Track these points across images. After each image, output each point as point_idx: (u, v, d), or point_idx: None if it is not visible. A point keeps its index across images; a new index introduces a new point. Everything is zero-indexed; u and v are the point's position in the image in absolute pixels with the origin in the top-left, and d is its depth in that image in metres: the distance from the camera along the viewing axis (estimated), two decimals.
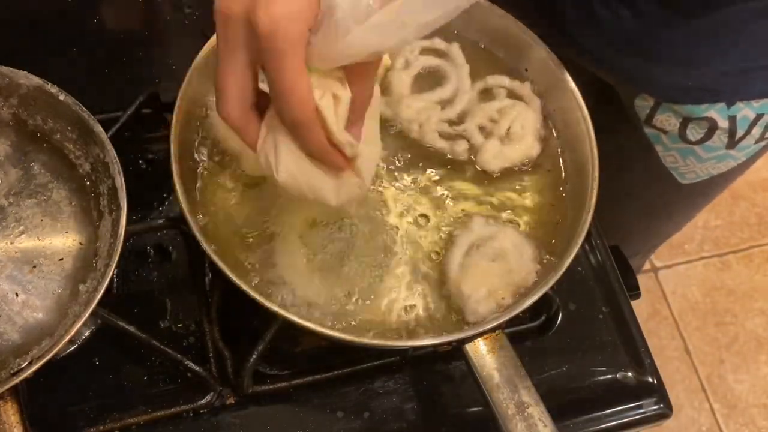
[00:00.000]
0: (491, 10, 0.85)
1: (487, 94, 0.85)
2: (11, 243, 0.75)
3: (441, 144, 0.82)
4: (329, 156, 0.59)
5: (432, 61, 0.86)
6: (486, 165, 0.81)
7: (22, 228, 0.76)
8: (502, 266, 0.74)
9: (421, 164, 0.82)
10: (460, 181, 0.81)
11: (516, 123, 0.81)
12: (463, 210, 0.80)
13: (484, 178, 0.82)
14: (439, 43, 0.86)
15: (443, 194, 0.80)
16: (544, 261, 0.76)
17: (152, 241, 0.86)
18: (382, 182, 0.80)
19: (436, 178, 0.81)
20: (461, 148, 0.81)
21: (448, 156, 0.82)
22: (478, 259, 0.75)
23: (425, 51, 0.86)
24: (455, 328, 0.73)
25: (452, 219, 0.79)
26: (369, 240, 0.77)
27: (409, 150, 0.82)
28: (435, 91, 0.84)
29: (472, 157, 0.82)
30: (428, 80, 0.85)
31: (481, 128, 0.82)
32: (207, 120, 0.79)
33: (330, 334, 0.69)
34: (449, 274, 0.75)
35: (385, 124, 0.83)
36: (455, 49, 0.86)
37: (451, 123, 0.83)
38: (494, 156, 0.81)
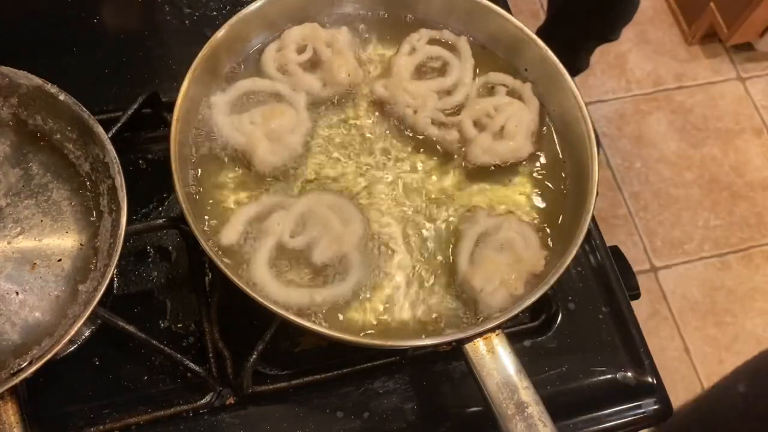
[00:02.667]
0: (491, 10, 0.85)
1: (487, 90, 0.85)
2: (10, 243, 0.75)
3: (432, 131, 0.82)
4: None
5: (438, 51, 0.86)
6: (474, 158, 0.81)
7: (21, 228, 0.76)
8: (510, 256, 0.74)
9: (417, 154, 0.82)
10: (454, 174, 0.82)
11: (510, 121, 0.82)
12: (463, 204, 0.80)
13: (479, 173, 0.82)
14: (447, 35, 0.87)
15: (441, 188, 0.81)
16: (547, 256, 0.76)
17: (152, 241, 0.86)
18: (380, 180, 0.80)
19: (432, 169, 0.82)
20: (452, 137, 0.82)
21: (439, 145, 0.82)
22: (486, 251, 0.75)
23: (433, 41, 0.86)
24: (457, 328, 0.73)
25: (455, 213, 0.79)
26: (367, 239, 0.77)
27: (405, 138, 0.83)
28: (436, 80, 0.85)
29: (462, 149, 0.82)
30: (432, 71, 0.86)
31: (476, 122, 0.83)
32: (210, 119, 0.79)
33: (330, 334, 0.69)
34: (459, 268, 0.75)
35: (383, 106, 0.83)
36: (463, 43, 0.86)
37: (447, 113, 0.84)
38: (484, 150, 0.81)
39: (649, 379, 0.85)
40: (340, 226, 0.74)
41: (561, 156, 0.83)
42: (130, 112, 0.84)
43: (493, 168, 0.82)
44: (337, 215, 0.75)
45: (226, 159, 0.79)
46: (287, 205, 0.76)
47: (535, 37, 0.84)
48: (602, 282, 0.90)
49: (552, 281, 0.71)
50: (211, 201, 0.77)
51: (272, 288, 0.71)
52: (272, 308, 0.67)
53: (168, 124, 0.75)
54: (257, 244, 0.74)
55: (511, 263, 0.74)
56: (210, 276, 0.83)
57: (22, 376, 0.64)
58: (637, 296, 0.91)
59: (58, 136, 0.79)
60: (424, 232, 0.78)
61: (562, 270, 0.71)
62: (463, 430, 0.81)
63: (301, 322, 0.68)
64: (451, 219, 0.79)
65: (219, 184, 0.78)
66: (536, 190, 0.82)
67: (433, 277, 0.76)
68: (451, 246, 0.78)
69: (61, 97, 0.76)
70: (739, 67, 2.35)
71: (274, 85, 0.82)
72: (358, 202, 0.79)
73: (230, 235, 0.74)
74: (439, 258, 0.77)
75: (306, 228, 0.75)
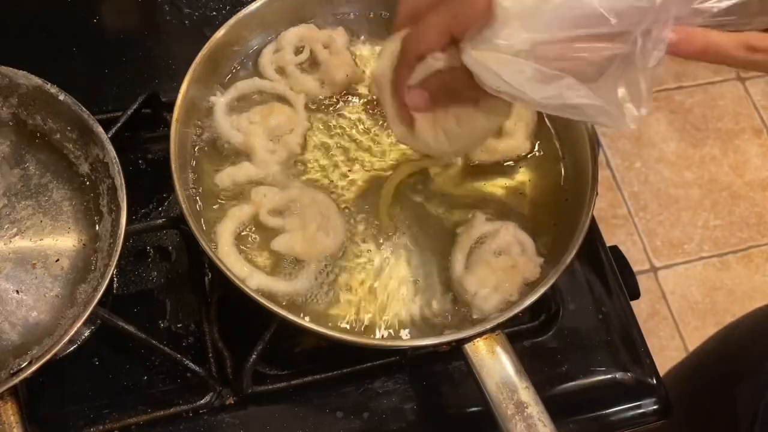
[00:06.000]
0: None
1: None
2: (10, 243, 0.75)
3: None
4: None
5: None
6: (473, 156, 0.81)
7: (21, 228, 0.76)
8: (506, 262, 0.74)
9: (414, 152, 0.82)
10: (453, 173, 0.82)
11: (509, 119, 0.81)
12: (461, 203, 0.80)
13: (477, 171, 0.82)
14: None
15: (439, 186, 0.81)
16: (546, 256, 0.76)
17: (152, 241, 0.86)
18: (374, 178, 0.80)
19: (431, 168, 0.81)
20: None
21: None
22: (481, 255, 0.75)
23: None
24: (459, 327, 0.73)
25: (453, 212, 0.79)
26: (367, 239, 0.77)
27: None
28: None
29: None
30: None
31: None
32: (209, 118, 0.79)
33: (330, 334, 0.69)
34: (454, 271, 0.75)
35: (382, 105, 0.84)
36: None
37: None
38: (482, 148, 0.81)
39: (649, 379, 0.85)
40: (316, 232, 0.74)
41: (561, 155, 0.83)
42: (129, 112, 0.84)
43: (491, 166, 0.82)
44: (322, 222, 0.75)
45: (226, 158, 0.79)
46: (286, 185, 0.77)
47: None
48: (602, 282, 0.90)
49: (551, 281, 0.71)
50: (211, 201, 0.77)
51: (228, 252, 0.72)
52: (272, 308, 0.67)
53: (168, 124, 0.75)
54: (236, 205, 0.75)
55: (506, 269, 0.74)
56: (210, 276, 0.83)
57: (22, 376, 0.64)
58: (637, 296, 0.91)
59: (58, 136, 0.79)
60: (421, 232, 0.78)
61: (562, 270, 0.71)
62: (463, 430, 0.81)
63: (300, 321, 0.68)
64: (448, 218, 0.79)
65: (219, 183, 0.78)
66: (535, 190, 0.82)
67: (430, 278, 0.76)
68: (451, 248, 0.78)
69: (61, 97, 0.76)
70: None
71: (273, 85, 0.82)
72: (352, 199, 0.79)
73: (226, 180, 0.76)
74: (436, 259, 0.77)
75: (287, 215, 0.75)
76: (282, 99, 0.82)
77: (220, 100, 0.80)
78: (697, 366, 1.07)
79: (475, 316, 0.73)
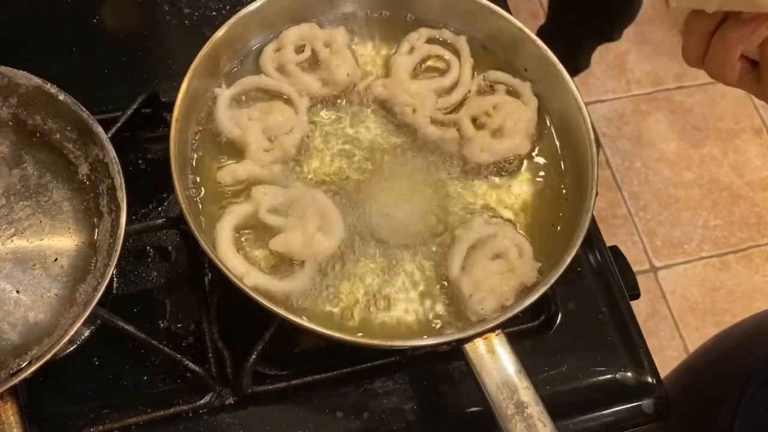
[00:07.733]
0: (491, 10, 0.85)
1: (486, 89, 0.85)
2: (10, 243, 0.75)
3: (431, 130, 0.82)
4: None
5: (437, 50, 0.86)
6: (473, 157, 0.81)
7: (21, 228, 0.76)
8: (503, 265, 0.74)
9: (415, 153, 0.82)
10: (453, 173, 0.82)
11: (509, 119, 0.81)
12: (461, 203, 0.80)
13: (478, 172, 0.82)
14: (447, 34, 0.87)
15: (439, 187, 0.81)
16: (545, 258, 0.76)
17: (152, 241, 0.86)
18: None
19: (430, 168, 0.82)
20: (450, 136, 0.82)
21: (437, 144, 0.82)
22: (479, 258, 0.75)
23: (432, 40, 0.86)
24: (456, 328, 0.73)
25: (452, 213, 0.79)
26: (366, 240, 0.77)
27: (404, 137, 0.83)
28: (435, 80, 0.85)
29: (461, 147, 0.82)
30: (432, 70, 0.86)
31: (474, 120, 0.83)
32: (209, 118, 0.79)
33: (329, 334, 0.69)
34: (451, 274, 0.75)
35: (382, 105, 0.84)
36: (462, 42, 0.86)
37: (445, 112, 0.84)
38: (482, 149, 0.81)
39: (649, 379, 0.85)
40: (315, 232, 0.73)
41: (560, 155, 0.83)
42: (129, 112, 0.84)
43: (491, 167, 0.82)
44: (322, 222, 0.74)
45: (226, 157, 0.79)
46: (287, 184, 0.77)
47: (534, 37, 0.84)
48: (602, 282, 0.90)
49: (552, 281, 0.71)
50: (211, 200, 0.77)
51: (226, 249, 0.72)
52: (272, 308, 0.67)
53: (168, 124, 0.75)
54: (237, 204, 0.75)
55: (503, 272, 0.74)
56: (210, 276, 0.83)
57: (22, 376, 0.64)
58: (636, 296, 0.91)
59: (58, 136, 0.79)
60: (420, 233, 0.78)
61: (562, 270, 0.71)
62: (463, 430, 0.81)
63: (300, 321, 0.68)
64: (447, 219, 0.79)
65: (219, 184, 0.78)
66: (535, 190, 0.82)
67: (429, 278, 0.76)
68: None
69: (61, 97, 0.76)
70: None
71: (279, 84, 0.82)
72: (352, 200, 0.79)
73: (227, 177, 0.76)
74: (435, 260, 0.77)
75: (287, 214, 0.75)
76: (285, 99, 0.82)
77: (225, 93, 0.80)
78: (687, 372, 1.07)
79: (470, 318, 0.73)
